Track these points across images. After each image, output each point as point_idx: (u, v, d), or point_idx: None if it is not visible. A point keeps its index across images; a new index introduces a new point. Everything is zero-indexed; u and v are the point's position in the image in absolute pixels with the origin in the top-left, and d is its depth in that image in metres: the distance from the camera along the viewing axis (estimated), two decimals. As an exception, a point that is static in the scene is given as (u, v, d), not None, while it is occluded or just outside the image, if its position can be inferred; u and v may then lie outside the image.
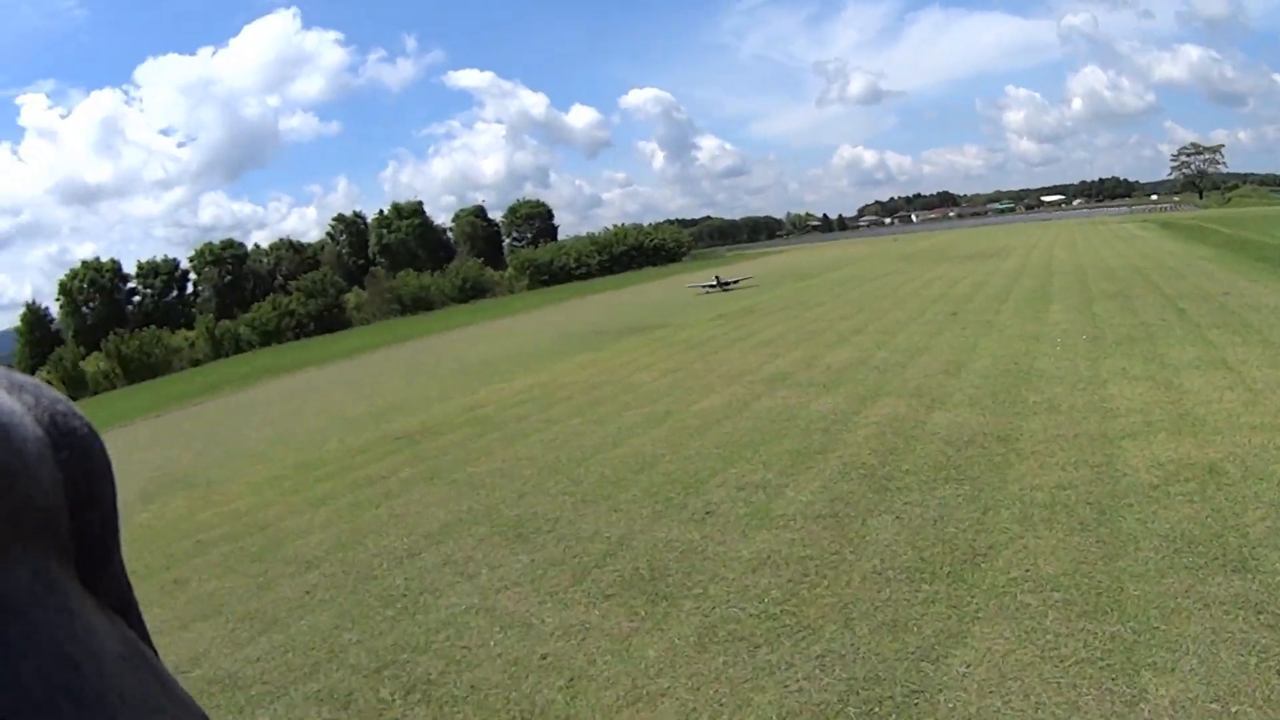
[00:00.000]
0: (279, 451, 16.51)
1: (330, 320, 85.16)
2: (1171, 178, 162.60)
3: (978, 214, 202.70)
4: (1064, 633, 4.87)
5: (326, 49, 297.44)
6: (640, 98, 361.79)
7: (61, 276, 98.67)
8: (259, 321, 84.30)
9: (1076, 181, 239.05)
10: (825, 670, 4.93)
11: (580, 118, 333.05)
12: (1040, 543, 6.23)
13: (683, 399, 13.97)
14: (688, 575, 6.71)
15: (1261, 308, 15.02)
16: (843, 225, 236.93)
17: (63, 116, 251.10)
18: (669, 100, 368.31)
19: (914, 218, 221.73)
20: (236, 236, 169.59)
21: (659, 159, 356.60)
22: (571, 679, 5.36)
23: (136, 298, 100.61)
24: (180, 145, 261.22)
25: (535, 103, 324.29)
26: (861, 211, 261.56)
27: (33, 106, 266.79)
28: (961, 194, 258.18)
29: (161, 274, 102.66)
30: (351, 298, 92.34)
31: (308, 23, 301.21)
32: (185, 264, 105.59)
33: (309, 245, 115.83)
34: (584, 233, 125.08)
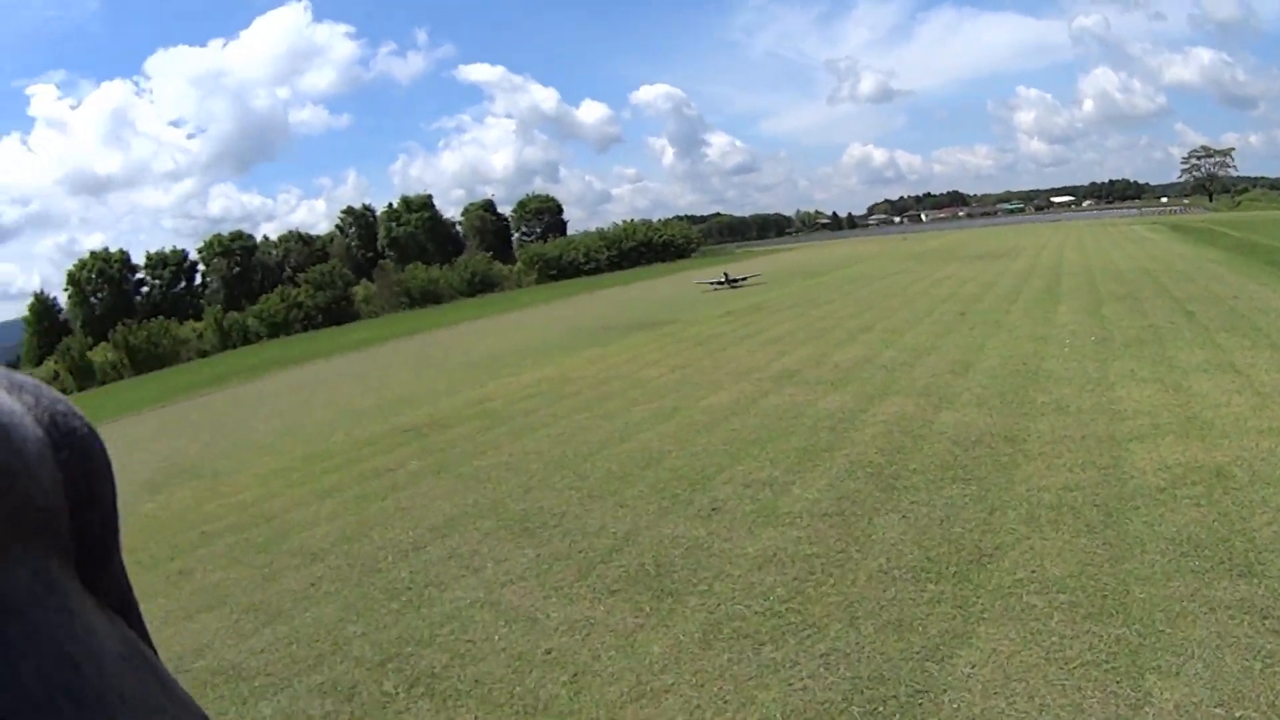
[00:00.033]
0: (286, 443, 16.52)
1: (338, 313, 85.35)
2: (1181, 180, 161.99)
3: (987, 214, 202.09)
4: (1069, 635, 4.87)
5: (337, 42, 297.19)
6: (651, 94, 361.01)
7: (70, 267, 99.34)
8: (267, 313, 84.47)
9: (1087, 183, 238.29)
10: (830, 669, 4.93)
11: (591, 113, 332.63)
12: (1047, 544, 6.22)
13: (690, 395, 13.97)
14: (693, 572, 6.71)
15: (1270, 311, 14.99)
16: (852, 224, 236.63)
17: (73, 107, 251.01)
18: (679, 96, 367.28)
19: (924, 217, 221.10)
20: (245, 228, 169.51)
21: (669, 155, 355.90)
22: (575, 674, 5.36)
23: (145, 288, 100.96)
24: (190, 137, 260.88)
25: (546, 97, 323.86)
26: (871, 210, 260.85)
27: (43, 97, 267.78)
28: (971, 194, 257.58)
29: (170, 265, 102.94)
30: (360, 290, 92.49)
31: (319, 15, 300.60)
32: (194, 255, 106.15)
33: (318, 238, 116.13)
34: (593, 228, 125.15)
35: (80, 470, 0.59)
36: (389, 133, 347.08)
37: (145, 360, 71.56)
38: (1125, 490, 7.08)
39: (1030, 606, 5.30)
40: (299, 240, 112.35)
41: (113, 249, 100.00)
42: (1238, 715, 3.98)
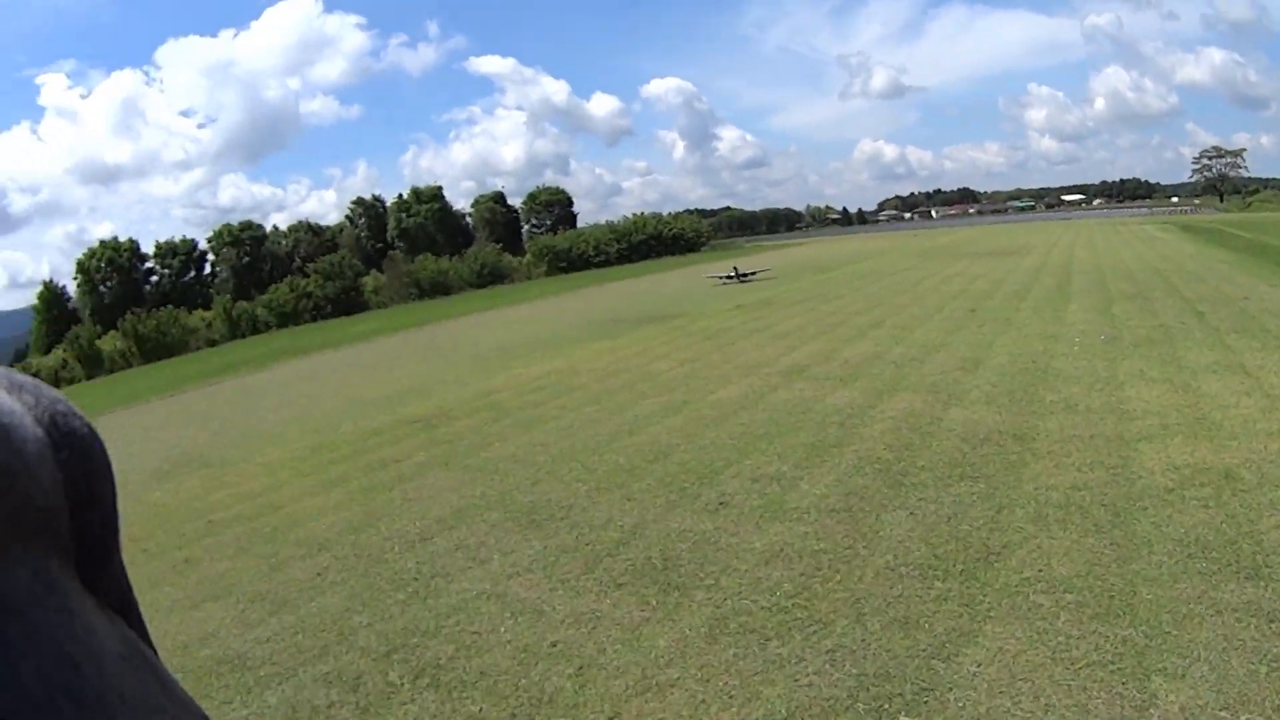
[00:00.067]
0: (294, 433, 16.55)
1: (347, 303, 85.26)
2: (1192, 180, 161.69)
3: (998, 211, 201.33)
4: (1075, 635, 4.87)
5: (348, 33, 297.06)
6: (662, 87, 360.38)
7: (79, 255, 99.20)
8: (276, 303, 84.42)
9: (1097, 181, 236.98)
10: (835, 665, 4.93)
11: (601, 106, 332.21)
12: (1054, 543, 6.22)
13: (699, 389, 13.98)
14: (700, 566, 6.72)
15: (1281, 313, 14.95)
16: (862, 219, 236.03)
17: (83, 96, 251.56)
18: (690, 90, 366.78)
19: (934, 213, 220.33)
20: (255, 218, 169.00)
21: (679, 149, 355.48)
22: (581, 667, 5.37)
23: (154, 277, 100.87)
24: (200, 127, 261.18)
25: (557, 90, 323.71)
26: (881, 206, 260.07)
27: (53, 86, 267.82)
28: (982, 191, 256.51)
29: (179, 254, 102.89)
30: (369, 281, 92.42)
31: (329, 6, 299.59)
32: (203, 245, 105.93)
33: (328, 228, 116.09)
34: (603, 221, 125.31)
35: (80, 470, 0.59)
36: (399, 124, 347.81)
37: (154, 349, 71.59)
38: (1133, 490, 7.07)
39: (1037, 606, 5.29)
40: (309, 230, 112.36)
41: (122, 238, 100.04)
42: (1243, 719, 3.98)
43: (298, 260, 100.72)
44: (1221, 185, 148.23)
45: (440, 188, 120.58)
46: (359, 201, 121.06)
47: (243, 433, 18.26)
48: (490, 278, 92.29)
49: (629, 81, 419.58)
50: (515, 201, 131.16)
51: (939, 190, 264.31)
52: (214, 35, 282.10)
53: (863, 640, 5.17)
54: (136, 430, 23.24)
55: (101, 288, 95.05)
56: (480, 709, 5.05)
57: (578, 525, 8.07)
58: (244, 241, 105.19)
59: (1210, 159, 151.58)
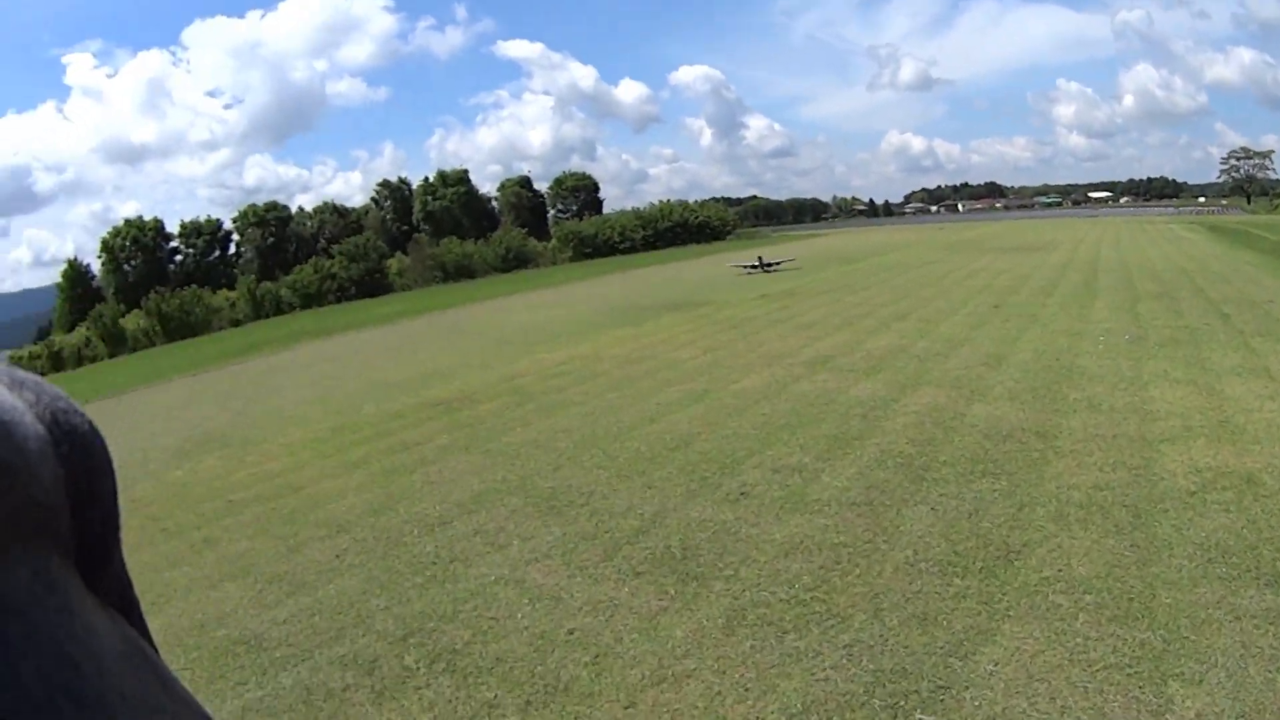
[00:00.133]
0: (316, 414, 16.59)
1: (372, 285, 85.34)
2: (1220, 181, 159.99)
3: (1024, 206, 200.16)
4: (1094, 636, 4.85)
5: (376, 15, 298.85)
6: (690, 75, 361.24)
7: (104, 234, 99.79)
8: (300, 284, 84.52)
9: (1124, 179, 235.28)
10: (852, 660, 4.93)
11: (629, 92, 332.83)
12: (1075, 543, 6.20)
13: (722, 378, 13.95)
14: (719, 556, 6.72)
15: (1307, 316, 14.86)
16: (889, 211, 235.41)
17: (109, 76, 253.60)
18: (719, 78, 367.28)
19: (960, 207, 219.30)
20: (281, 199, 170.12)
21: (707, 136, 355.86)
22: (597, 655, 5.39)
23: (178, 257, 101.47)
24: (227, 107, 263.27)
25: (584, 75, 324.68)
26: (908, 198, 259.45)
27: (79, 66, 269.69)
28: (1009, 185, 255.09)
29: (204, 234, 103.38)
30: (394, 263, 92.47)
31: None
32: (228, 225, 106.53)
33: (353, 210, 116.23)
34: (629, 207, 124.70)
35: (81, 467, 0.59)
36: (426, 107, 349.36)
37: (177, 328, 71.81)
38: (1155, 492, 7.04)
39: (1056, 606, 5.28)
40: (334, 212, 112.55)
41: (147, 217, 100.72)
42: (1260, 725, 3.97)
43: (322, 241, 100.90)
44: (1249, 186, 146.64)
45: (466, 171, 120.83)
46: (385, 184, 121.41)
47: (264, 413, 18.32)
48: (515, 262, 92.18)
49: (657, 68, 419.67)
50: (541, 186, 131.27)
51: (966, 184, 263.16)
52: (241, 16, 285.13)
53: (880, 636, 5.17)
54: (158, 409, 23.41)
55: (126, 266, 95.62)
56: (495, 695, 5.07)
57: (598, 512, 8.09)
58: (269, 222, 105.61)
59: (1238, 159, 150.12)
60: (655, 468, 9.31)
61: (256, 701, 5.41)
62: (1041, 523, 6.64)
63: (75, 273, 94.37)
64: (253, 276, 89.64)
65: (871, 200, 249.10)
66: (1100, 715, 4.16)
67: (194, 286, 79.05)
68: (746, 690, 4.77)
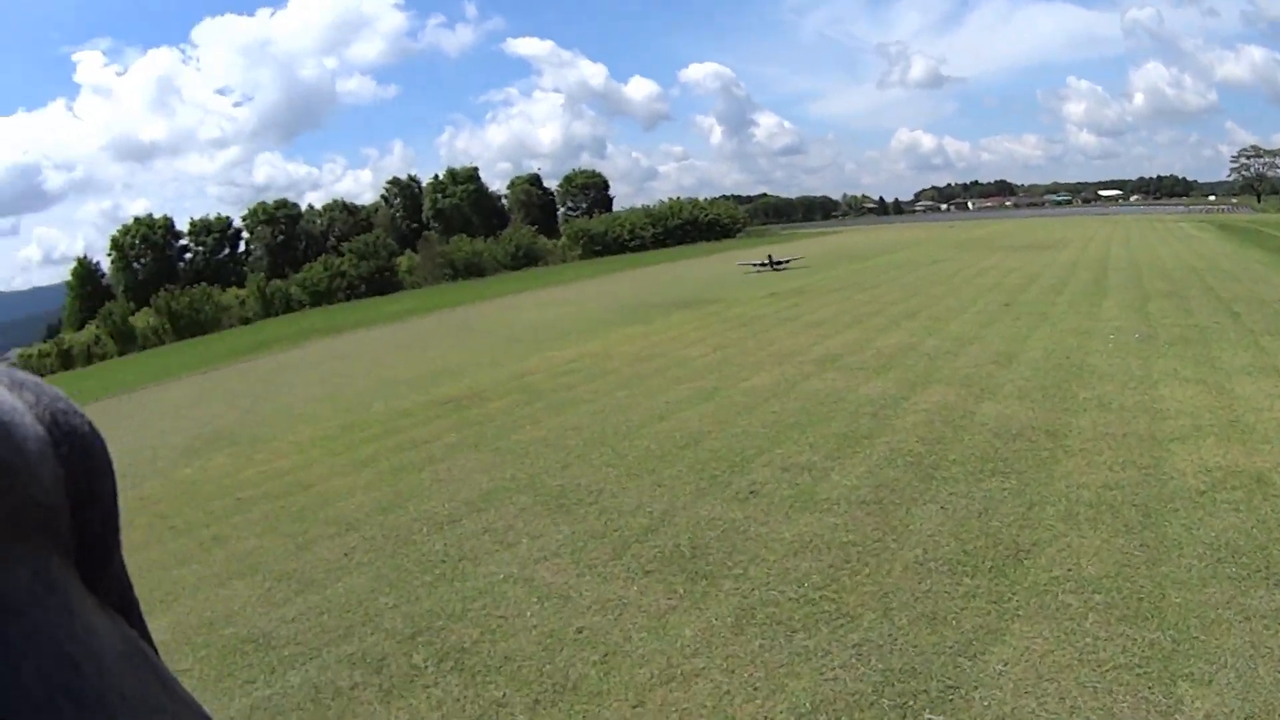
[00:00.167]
0: (325, 411, 16.62)
1: (381, 283, 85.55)
2: (1230, 179, 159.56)
3: (1034, 204, 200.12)
4: (1103, 636, 4.84)
5: (385, 13, 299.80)
6: (700, 72, 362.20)
7: (114, 232, 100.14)
8: (310, 281, 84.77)
9: (1135, 177, 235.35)
10: (861, 659, 4.92)
11: (639, 90, 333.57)
12: (1084, 542, 6.19)
13: (731, 376, 13.95)
14: (728, 555, 6.72)
15: (1318, 316, 14.82)
16: (898, 209, 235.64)
17: (119, 74, 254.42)
18: (728, 76, 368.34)
19: (970, 205, 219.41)
20: (290, 197, 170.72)
21: (717, 134, 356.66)
22: (606, 654, 5.39)
23: (188, 255, 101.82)
24: (236, 105, 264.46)
25: (594, 73, 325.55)
26: (918, 196, 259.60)
27: (88, 63, 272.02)
28: (1018, 184, 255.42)
29: (214, 232, 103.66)
30: (403, 261, 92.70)
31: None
32: (238, 222, 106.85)
33: (363, 207, 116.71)
34: (639, 205, 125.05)
35: (81, 468, 0.59)
36: (436, 104, 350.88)
37: (187, 326, 72.10)
38: (1165, 491, 7.03)
39: (1065, 606, 5.27)
40: (344, 210, 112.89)
41: (157, 215, 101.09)
42: (1269, 727, 3.96)
43: (332, 239, 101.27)
44: (1259, 185, 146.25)
45: (476, 169, 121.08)
46: (394, 181, 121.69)
47: (274, 411, 18.38)
48: (525, 260, 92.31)
49: (667, 66, 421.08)
50: (551, 184, 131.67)
51: (975, 182, 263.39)
52: (251, 14, 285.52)
53: (889, 635, 5.16)
54: (168, 406, 23.52)
55: (135, 264, 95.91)
56: (504, 694, 5.07)
57: (607, 511, 8.09)
58: (279, 220, 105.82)
59: (1249, 158, 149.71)
60: (665, 466, 9.30)
61: (264, 700, 5.42)
62: (1051, 522, 6.63)
63: (85, 271, 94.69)
64: (262, 274, 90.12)
65: (881, 198, 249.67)
66: (1109, 715, 4.15)
67: (203, 284, 79.46)
68: (755, 689, 4.76)
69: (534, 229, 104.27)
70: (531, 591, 6.49)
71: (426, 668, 5.52)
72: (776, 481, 8.32)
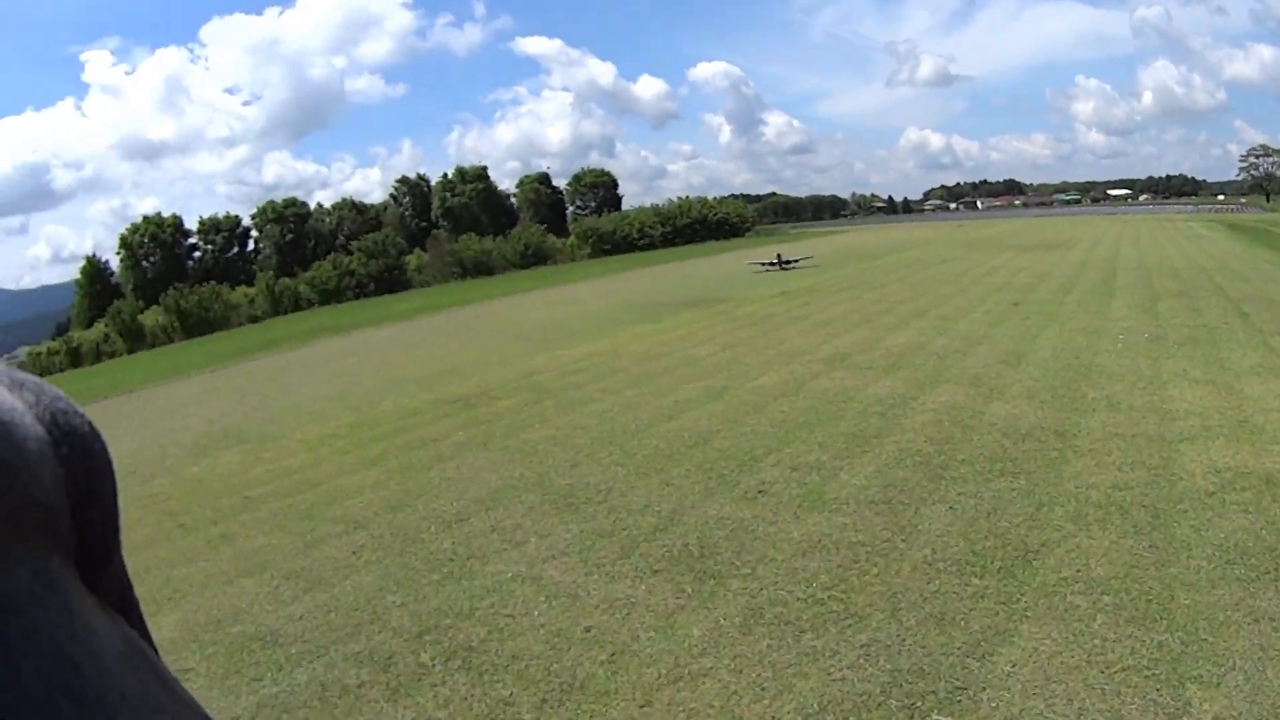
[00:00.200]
0: (333, 410, 16.64)
1: (390, 281, 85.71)
2: (1239, 179, 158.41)
3: (1043, 204, 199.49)
4: (1112, 638, 4.83)
5: (394, 12, 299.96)
6: (709, 71, 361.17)
7: (123, 230, 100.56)
8: (319, 280, 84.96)
9: (1144, 177, 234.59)
10: (869, 660, 4.92)
11: (648, 88, 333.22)
12: (1093, 543, 6.17)
13: (740, 375, 13.94)
14: (737, 554, 6.71)
15: (1328, 316, 14.78)
16: (907, 208, 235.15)
17: (127, 73, 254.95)
18: (737, 75, 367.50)
19: (979, 204, 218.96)
20: (299, 195, 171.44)
21: (725, 133, 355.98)
22: (614, 653, 5.38)
23: (197, 253, 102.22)
24: (245, 104, 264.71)
25: (603, 72, 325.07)
26: (927, 195, 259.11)
27: (97, 63, 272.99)
28: (1027, 183, 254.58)
29: (223, 230, 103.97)
30: (412, 259, 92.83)
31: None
32: (247, 221, 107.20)
33: (371, 206, 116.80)
34: (648, 203, 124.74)
35: (81, 468, 0.59)
36: (445, 103, 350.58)
37: (196, 324, 72.29)
38: (1174, 492, 7.01)
39: (1074, 607, 5.26)
40: (352, 208, 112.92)
41: (166, 214, 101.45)
42: (1278, 729, 3.95)
43: (341, 238, 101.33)
44: (1268, 184, 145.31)
45: (485, 168, 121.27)
46: (403, 180, 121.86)
47: (282, 409, 18.41)
48: (534, 259, 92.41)
49: (676, 64, 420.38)
50: (560, 183, 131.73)
51: (984, 181, 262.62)
52: (260, 13, 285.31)
53: (898, 635, 5.16)
54: (176, 405, 23.58)
55: (144, 263, 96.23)
56: (511, 693, 5.07)
57: (615, 510, 8.08)
58: (288, 218, 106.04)
59: (1258, 157, 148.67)
60: (673, 465, 9.30)
61: (272, 698, 5.42)
62: (1060, 522, 6.62)
63: (94, 269, 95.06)
64: (271, 273, 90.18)
65: (890, 197, 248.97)
66: (1117, 717, 4.14)
67: (212, 283, 79.64)
68: (763, 689, 4.76)
69: (543, 228, 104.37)
70: (539, 590, 6.49)
71: (434, 666, 5.52)
72: (785, 481, 8.31)
